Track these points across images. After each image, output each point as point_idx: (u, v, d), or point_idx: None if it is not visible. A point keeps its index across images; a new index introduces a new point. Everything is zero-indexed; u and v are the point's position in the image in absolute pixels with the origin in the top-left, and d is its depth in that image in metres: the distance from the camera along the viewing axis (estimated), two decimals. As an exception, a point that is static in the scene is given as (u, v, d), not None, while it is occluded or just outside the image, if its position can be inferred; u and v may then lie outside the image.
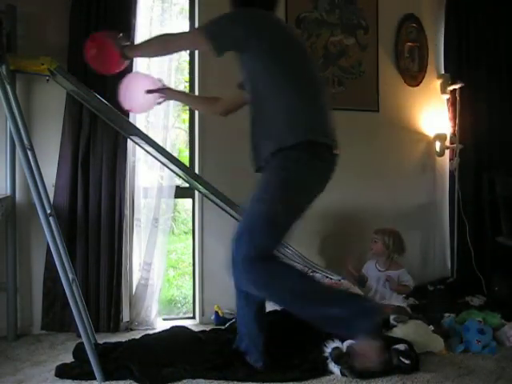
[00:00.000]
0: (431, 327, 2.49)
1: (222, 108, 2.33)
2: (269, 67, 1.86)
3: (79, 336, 2.19)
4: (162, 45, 2.06)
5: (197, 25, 3.02)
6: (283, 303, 1.90)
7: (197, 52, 3.03)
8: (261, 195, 1.83)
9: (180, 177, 2.88)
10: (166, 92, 2.38)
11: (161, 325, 2.81)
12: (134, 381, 2.05)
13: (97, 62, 2.14)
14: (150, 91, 2.30)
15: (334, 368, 2.14)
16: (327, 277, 2.82)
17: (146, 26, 2.92)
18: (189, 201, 3.15)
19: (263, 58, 1.86)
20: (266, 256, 1.75)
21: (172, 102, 2.92)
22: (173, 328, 2.61)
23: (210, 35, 1.87)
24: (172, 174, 2.85)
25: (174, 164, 2.53)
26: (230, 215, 2.84)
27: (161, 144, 2.63)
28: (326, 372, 2.15)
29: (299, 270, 2.03)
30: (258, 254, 1.74)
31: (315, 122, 1.89)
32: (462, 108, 3.51)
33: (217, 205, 2.84)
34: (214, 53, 1.89)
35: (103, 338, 2.42)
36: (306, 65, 1.96)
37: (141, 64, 2.87)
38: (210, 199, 2.85)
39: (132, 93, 2.31)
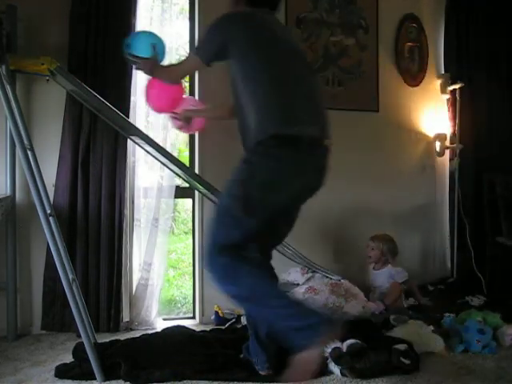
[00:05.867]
0: (431, 327, 2.49)
1: (227, 112, 2.36)
2: (247, 67, 1.91)
3: (79, 336, 2.19)
4: (168, 75, 2.19)
5: (197, 25, 3.02)
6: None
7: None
8: (224, 190, 1.92)
9: (180, 177, 2.88)
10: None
11: (161, 325, 2.80)
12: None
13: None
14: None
15: (334, 368, 2.14)
16: (327, 277, 2.82)
17: (145, 25, 2.91)
18: (189, 201, 3.15)
19: (242, 58, 1.91)
20: (226, 250, 1.78)
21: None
22: (172, 327, 2.62)
23: (197, 50, 2.03)
24: (172, 173, 2.85)
25: (173, 164, 2.53)
26: (230, 215, 2.84)
27: (161, 144, 2.63)
28: (326, 372, 2.15)
29: (259, 273, 1.88)
30: (217, 249, 1.79)
31: (288, 115, 1.87)
32: (462, 108, 3.51)
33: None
34: (204, 65, 2.00)
35: (103, 338, 2.42)
36: (288, 63, 1.95)
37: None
38: (209, 199, 2.85)
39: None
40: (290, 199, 1.95)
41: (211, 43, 1.97)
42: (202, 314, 3.00)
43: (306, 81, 1.98)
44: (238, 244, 1.82)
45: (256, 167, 1.85)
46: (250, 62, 1.90)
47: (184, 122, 2.49)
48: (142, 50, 2.20)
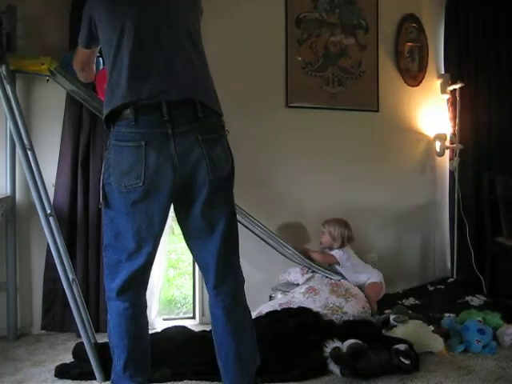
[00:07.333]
0: (431, 327, 2.49)
1: None
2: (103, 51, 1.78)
3: (79, 336, 2.19)
4: (75, 69, 2.10)
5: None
6: None
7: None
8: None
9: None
10: None
11: (161, 325, 2.80)
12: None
13: None
14: None
15: (334, 368, 2.14)
16: (327, 277, 2.82)
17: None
18: (189, 201, 3.14)
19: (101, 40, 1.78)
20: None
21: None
22: (172, 328, 2.61)
23: (78, 37, 1.91)
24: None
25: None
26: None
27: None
28: (326, 372, 2.15)
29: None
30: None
31: (114, 97, 1.64)
32: (462, 108, 3.51)
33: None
34: (83, 48, 1.93)
35: (103, 338, 2.42)
36: (123, 36, 1.65)
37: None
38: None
39: None
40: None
41: (83, 25, 1.83)
42: (202, 314, 3.00)
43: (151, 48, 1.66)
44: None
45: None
46: (103, 44, 1.76)
47: None
48: None
